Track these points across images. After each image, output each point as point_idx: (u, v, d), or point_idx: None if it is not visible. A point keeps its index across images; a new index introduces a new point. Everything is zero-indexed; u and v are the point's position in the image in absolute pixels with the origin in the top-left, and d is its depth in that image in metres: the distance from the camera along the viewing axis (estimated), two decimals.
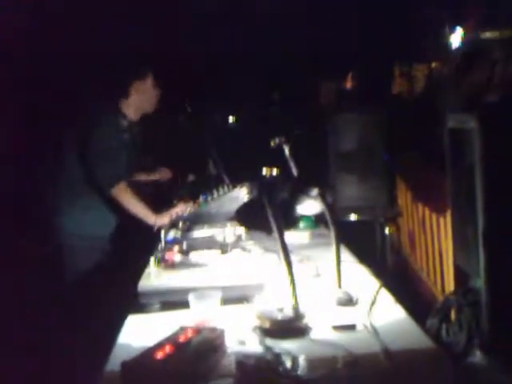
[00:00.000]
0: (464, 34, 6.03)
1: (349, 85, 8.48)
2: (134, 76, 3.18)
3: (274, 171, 2.66)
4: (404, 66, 8.72)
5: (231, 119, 8.90)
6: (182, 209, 2.98)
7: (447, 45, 6.45)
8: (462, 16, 5.95)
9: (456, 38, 6.32)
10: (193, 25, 6.90)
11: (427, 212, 3.92)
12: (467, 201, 1.96)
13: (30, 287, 3.55)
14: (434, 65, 7.30)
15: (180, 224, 2.86)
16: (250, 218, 2.56)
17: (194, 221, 2.90)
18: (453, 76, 4.23)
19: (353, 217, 4.03)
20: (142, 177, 3.66)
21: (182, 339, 1.58)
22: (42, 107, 5.41)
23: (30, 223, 4.18)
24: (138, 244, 3.02)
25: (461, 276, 2.13)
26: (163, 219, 3.01)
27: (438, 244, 3.65)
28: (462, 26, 6.09)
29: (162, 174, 3.73)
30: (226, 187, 2.89)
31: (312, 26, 7.14)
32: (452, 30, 6.35)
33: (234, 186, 2.85)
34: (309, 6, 6.89)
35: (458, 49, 6.00)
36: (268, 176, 2.70)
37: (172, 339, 1.58)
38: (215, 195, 2.87)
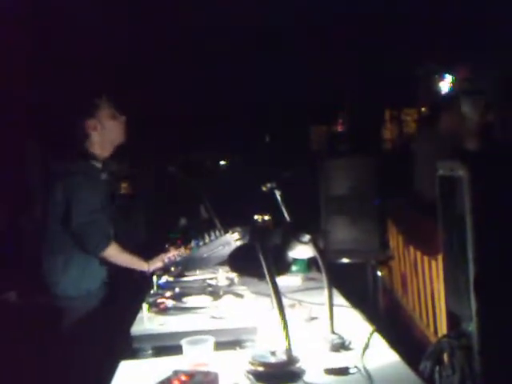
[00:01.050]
0: (454, 79, 6.16)
1: (339, 128, 8.60)
2: (82, 115, 3.07)
3: (266, 217, 2.70)
4: (394, 110, 8.87)
5: (221, 164, 8.99)
6: (173, 253, 2.98)
7: (437, 90, 6.58)
8: (452, 62, 6.08)
9: (445, 84, 6.45)
10: (179, 75, 6.99)
11: (419, 254, 3.94)
12: (458, 247, 1.99)
13: (20, 340, 3.51)
14: (423, 109, 7.43)
15: (172, 268, 2.88)
16: (242, 262, 2.57)
17: (185, 265, 2.90)
18: (443, 123, 4.32)
19: (345, 259, 4.06)
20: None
21: (175, 383, 1.57)
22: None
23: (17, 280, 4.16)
24: (130, 289, 3.02)
25: (453, 319, 2.14)
26: (155, 264, 3.02)
27: (430, 286, 3.66)
28: (451, 72, 6.22)
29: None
30: (217, 232, 2.90)
31: (302, 71, 7.26)
32: (442, 76, 6.49)
33: (226, 231, 2.87)
34: (299, 50, 7.02)
35: (447, 94, 6.12)
36: (260, 221, 2.74)
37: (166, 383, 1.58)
38: (207, 240, 2.88)
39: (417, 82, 7.23)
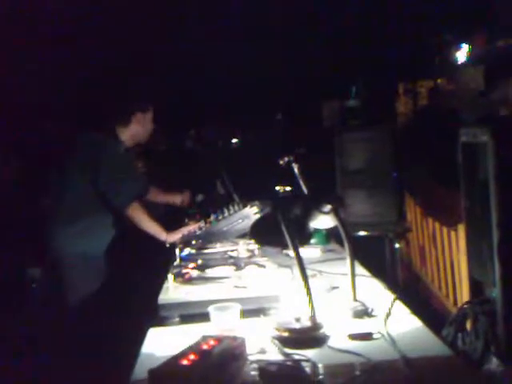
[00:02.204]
0: (470, 49, 6.09)
1: (352, 103, 8.54)
2: (138, 107, 3.29)
3: (287, 188, 2.72)
4: (408, 83, 8.77)
5: (235, 141, 8.99)
6: (193, 227, 3.03)
7: (453, 61, 6.51)
8: (468, 31, 6.02)
9: (462, 54, 6.39)
10: (194, 51, 6.98)
11: (437, 226, 3.95)
12: (481, 213, 2.00)
13: (49, 305, 3.57)
14: (439, 81, 7.35)
15: (193, 241, 2.91)
16: (263, 234, 2.59)
17: (206, 238, 2.94)
18: (463, 91, 4.29)
19: (362, 232, 4.08)
20: (162, 198, 3.70)
21: (204, 347, 1.61)
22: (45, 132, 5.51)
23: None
24: (154, 260, 3.06)
25: (476, 286, 2.16)
26: (174, 236, 3.06)
27: (450, 257, 3.68)
28: (468, 41, 6.16)
29: (184, 198, 3.77)
30: (236, 206, 2.93)
31: (314, 44, 7.22)
32: (458, 46, 6.43)
33: (245, 205, 2.90)
34: (311, 24, 6.97)
35: (463, 64, 6.06)
36: (281, 193, 2.76)
37: (195, 348, 1.61)
38: (226, 214, 2.92)
39: (432, 53, 7.15)
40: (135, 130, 3.31)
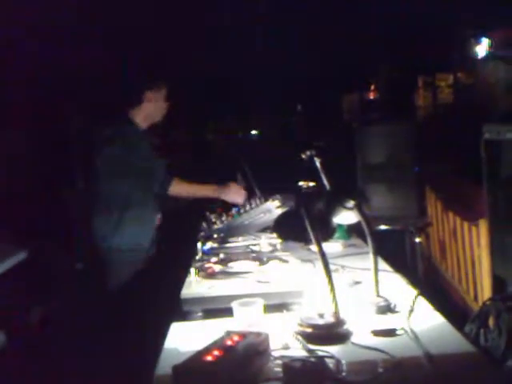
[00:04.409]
0: (490, 43, 6.03)
1: (371, 96, 8.49)
2: (147, 85, 3.24)
3: (311, 183, 2.71)
4: (427, 77, 8.68)
5: (254, 132, 8.98)
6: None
7: (473, 55, 6.45)
8: (489, 25, 5.95)
9: (482, 48, 6.32)
10: (215, 41, 6.98)
11: (458, 221, 3.93)
12: (505, 210, 1.99)
13: (73, 299, 3.62)
14: (459, 75, 7.29)
15: (214, 235, 2.92)
16: (286, 229, 2.60)
17: (227, 232, 2.95)
18: (483, 85, 4.26)
19: (383, 226, 4.07)
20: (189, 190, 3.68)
21: (229, 343, 1.62)
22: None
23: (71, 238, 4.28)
24: (176, 255, 3.08)
25: (498, 283, 2.15)
26: (224, 191, 3.20)
27: (470, 252, 3.66)
28: (488, 35, 6.09)
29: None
30: (257, 200, 2.93)
31: (334, 38, 7.17)
32: (478, 40, 6.36)
33: (266, 199, 2.90)
34: (332, 18, 6.92)
35: (483, 59, 6.01)
36: (305, 187, 2.75)
37: (219, 343, 1.63)
38: (247, 207, 2.92)
39: (452, 47, 7.08)
40: (148, 110, 3.25)
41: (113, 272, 3.05)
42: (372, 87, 8.66)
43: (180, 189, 3.21)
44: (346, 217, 2.23)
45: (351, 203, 2.16)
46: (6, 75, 4.90)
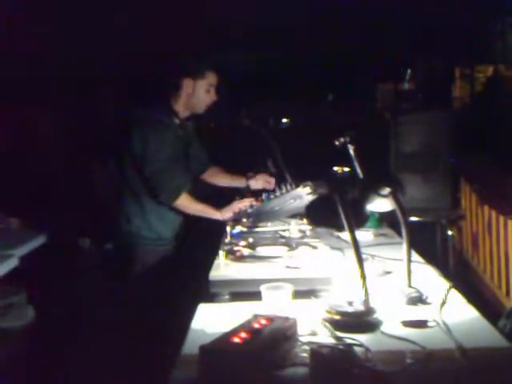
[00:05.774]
0: None
1: (407, 86, 8.35)
2: (186, 71, 3.10)
3: (345, 169, 2.66)
4: (465, 68, 8.51)
5: (285, 120, 8.94)
6: (245, 204, 2.99)
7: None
8: None
9: None
10: (244, 30, 6.91)
11: (494, 214, 3.84)
12: None
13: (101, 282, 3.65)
14: (497, 66, 7.12)
15: (244, 220, 2.90)
16: (316, 215, 2.56)
17: (257, 217, 2.92)
18: None
19: (414, 218, 4.00)
20: (225, 179, 3.64)
21: (256, 326, 1.60)
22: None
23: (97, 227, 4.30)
24: (205, 237, 3.06)
25: None
26: (228, 213, 3.01)
27: (505, 247, 3.58)
28: None
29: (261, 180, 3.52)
30: (288, 185, 2.89)
31: (369, 26, 7.06)
32: None
33: (297, 185, 2.86)
34: (368, 5, 6.81)
35: None
36: (339, 174, 2.71)
37: (247, 326, 1.60)
38: (278, 193, 2.88)
39: (493, 38, 6.91)
40: (186, 98, 3.11)
41: (139, 253, 3.04)
42: (407, 77, 8.50)
43: (186, 205, 3.05)
44: (380, 204, 2.18)
45: (386, 190, 2.11)
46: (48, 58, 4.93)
